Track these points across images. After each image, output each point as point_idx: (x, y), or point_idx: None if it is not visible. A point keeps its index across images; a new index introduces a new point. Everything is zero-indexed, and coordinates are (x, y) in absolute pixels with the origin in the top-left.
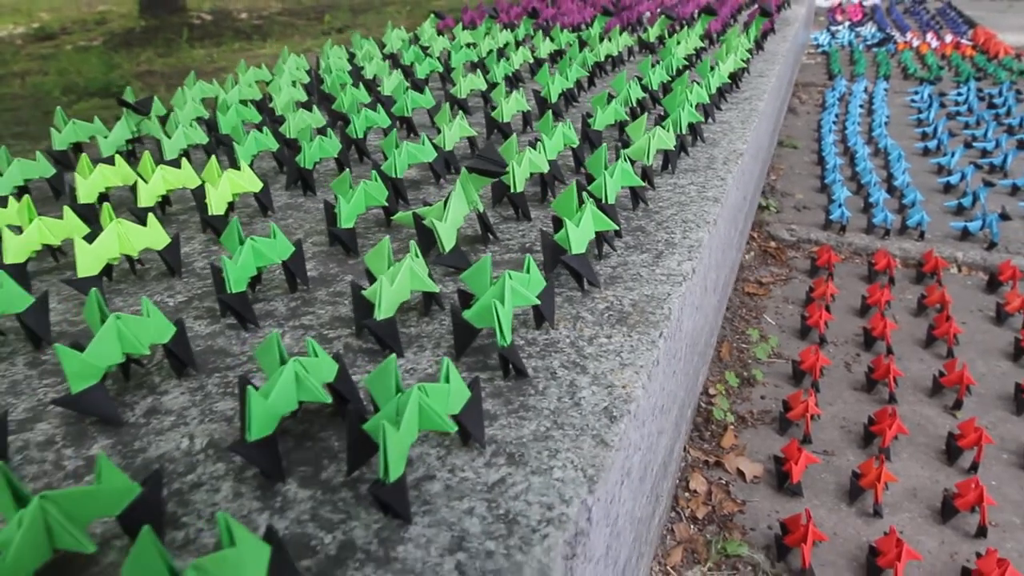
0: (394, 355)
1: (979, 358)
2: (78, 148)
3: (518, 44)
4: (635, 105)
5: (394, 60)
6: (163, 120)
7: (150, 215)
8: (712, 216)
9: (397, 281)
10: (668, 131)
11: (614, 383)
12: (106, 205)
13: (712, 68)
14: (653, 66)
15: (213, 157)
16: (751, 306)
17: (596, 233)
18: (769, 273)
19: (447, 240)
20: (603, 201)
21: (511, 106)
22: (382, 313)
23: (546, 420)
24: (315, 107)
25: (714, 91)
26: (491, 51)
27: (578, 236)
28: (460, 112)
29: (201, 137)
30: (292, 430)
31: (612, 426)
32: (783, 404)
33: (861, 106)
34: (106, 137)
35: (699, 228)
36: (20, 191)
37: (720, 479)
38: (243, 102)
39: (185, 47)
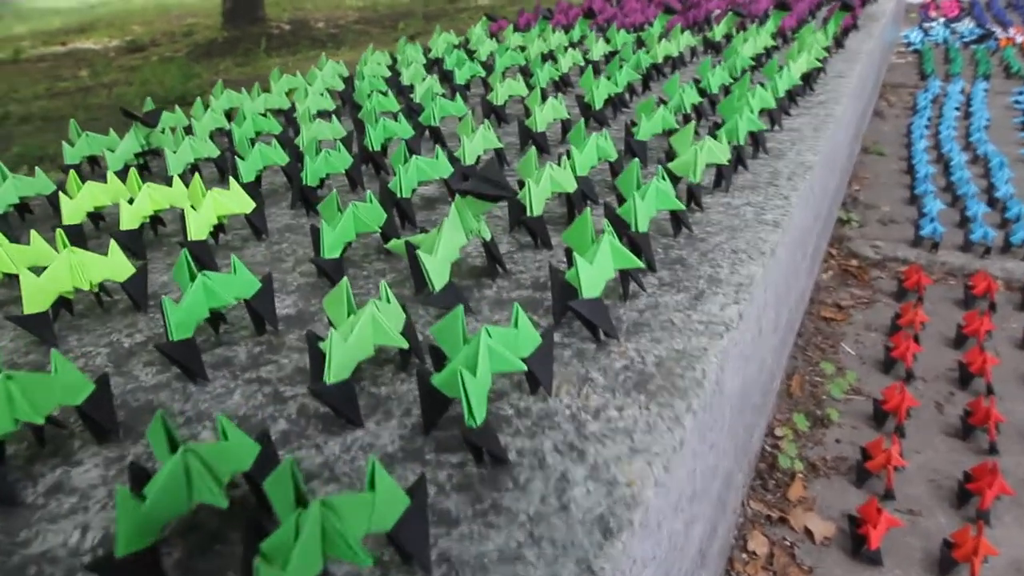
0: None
1: None
2: (95, 162)
3: (571, 46)
4: (689, 111)
5: (437, 65)
6: (188, 131)
7: (112, 242)
8: (769, 244)
9: (354, 335)
10: (721, 142)
11: (617, 478)
12: (59, 231)
13: (781, 68)
14: (713, 67)
15: (197, 175)
16: (827, 333)
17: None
18: (849, 295)
19: (437, 277)
20: (633, 229)
21: (546, 114)
22: (332, 376)
23: (520, 531)
24: (334, 117)
25: (782, 94)
26: (539, 54)
27: (591, 276)
28: (485, 121)
29: (211, 150)
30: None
31: (606, 545)
32: (861, 452)
33: (957, 109)
34: (113, 151)
35: (752, 260)
36: (19, 209)
37: (784, 539)
38: (266, 113)
39: (263, 56)
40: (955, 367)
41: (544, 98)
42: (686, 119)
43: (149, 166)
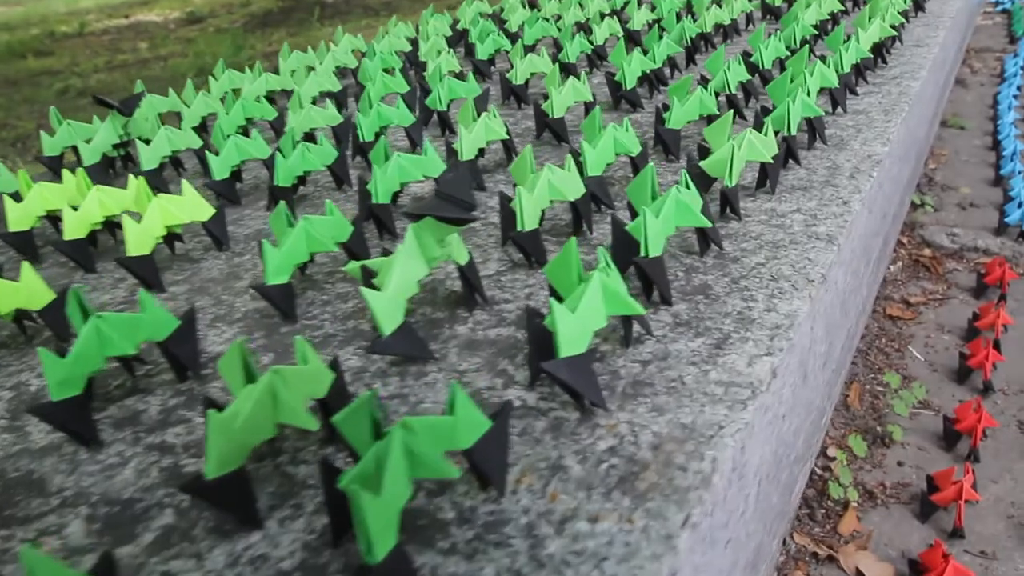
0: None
1: None
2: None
3: (612, 14)
4: (735, 92)
5: (464, 38)
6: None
7: (25, 264)
8: (820, 268)
9: (244, 416)
10: (767, 134)
11: None
12: None
13: (848, 38)
14: (768, 37)
15: (141, 179)
16: (893, 334)
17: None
18: (920, 290)
19: (386, 318)
20: (643, 254)
21: (566, 97)
22: (214, 468)
23: None
24: (329, 101)
25: (848, 69)
26: (573, 24)
27: (573, 329)
28: (491, 108)
29: (192, 141)
30: None
31: None
32: (927, 481)
33: None
34: (88, 142)
35: (795, 292)
36: None
37: None
38: (261, 97)
39: (316, 25)
40: None
41: (570, 75)
42: (730, 102)
43: (134, 158)
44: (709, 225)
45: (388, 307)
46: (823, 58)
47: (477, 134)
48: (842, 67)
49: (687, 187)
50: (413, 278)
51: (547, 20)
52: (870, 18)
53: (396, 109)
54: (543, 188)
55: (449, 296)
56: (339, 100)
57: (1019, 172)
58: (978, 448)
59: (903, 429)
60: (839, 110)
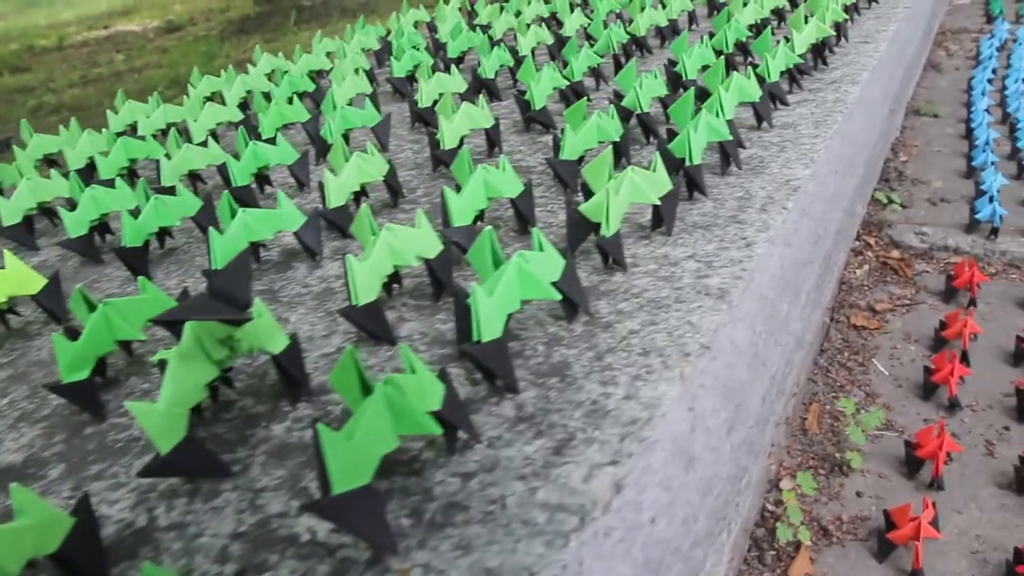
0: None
1: None
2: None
3: (541, 20)
4: (647, 111)
5: (432, 35)
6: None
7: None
8: (701, 337)
9: None
10: (656, 170)
11: None
12: None
13: (779, 42)
14: (696, 43)
15: None
16: (857, 346)
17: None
18: (888, 296)
19: (160, 435)
20: (475, 338)
21: (459, 125)
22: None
23: None
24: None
25: (777, 78)
26: (501, 33)
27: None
28: (369, 146)
29: (62, 189)
30: None
31: None
32: (885, 517)
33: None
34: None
35: (664, 372)
36: None
37: None
38: (148, 137)
39: (292, 30)
40: (1012, 392)
41: (485, 93)
42: (643, 124)
43: None
44: (557, 298)
45: (162, 422)
46: (755, 66)
47: (349, 176)
48: (769, 76)
49: (540, 248)
50: (195, 384)
51: (475, 30)
52: (807, 17)
53: (275, 147)
54: (382, 252)
55: (277, 383)
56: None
57: (991, 163)
58: (941, 477)
59: (864, 455)
60: (764, 125)
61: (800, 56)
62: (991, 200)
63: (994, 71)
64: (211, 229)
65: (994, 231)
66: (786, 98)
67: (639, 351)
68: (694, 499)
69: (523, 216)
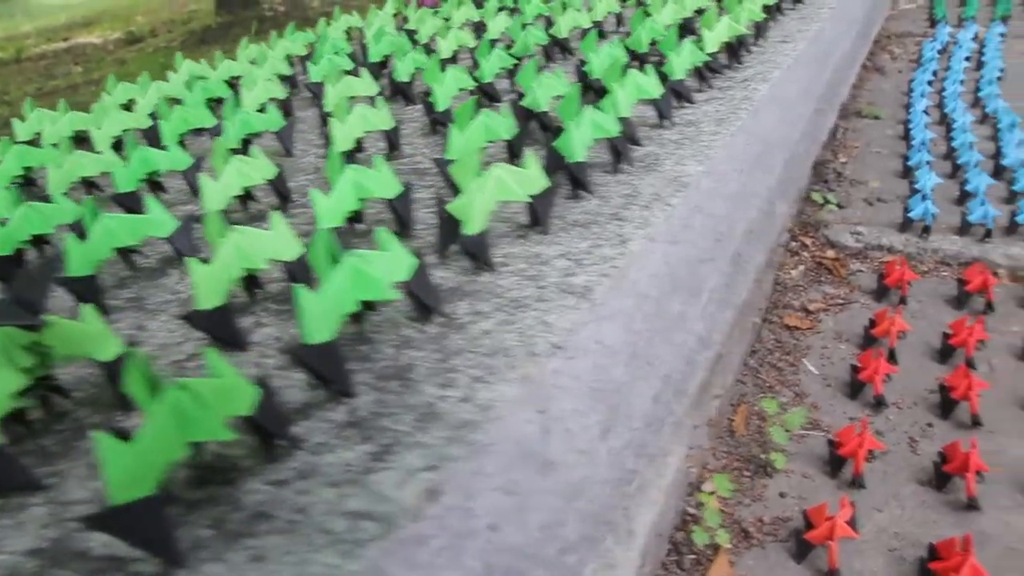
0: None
1: None
2: None
3: (468, 25)
4: (546, 111)
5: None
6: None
7: None
8: (553, 337)
9: None
10: (529, 167)
11: None
12: None
13: (689, 38)
14: (607, 41)
15: None
16: (789, 347)
17: None
18: (822, 296)
19: None
20: (305, 341)
21: (353, 126)
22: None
23: None
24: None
25: (682, 75)
26: (427, 37)
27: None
28: (254, 150)
29: None
30: None
31: None
32: (804, 518)
33: (968, 59)
34: None
35: (506, 373)
36: None
37: None
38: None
39: (253, 41)
40: (937, 389)
41: (403, 96)
42: (543, 124)
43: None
44: (396, 298)
45: None
46: (660, 63)
47: (228, 180)
48: (673, 73)
49: (385, 247)
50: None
51: (397, 33)
52: (716, 17)
53: (167, 152)
54: (229, 255)
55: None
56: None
57: (926, 162)
58: (862, 475)
59: (789, 455)
60: (666, 122)
61: (712, 55)
62: (923, 199)
63: (935, 73)
64: (69, 235)
65: (926, 229)
66: (691, 96)
67: (486, 352)
68: (557, 504)
69: (401, 218)
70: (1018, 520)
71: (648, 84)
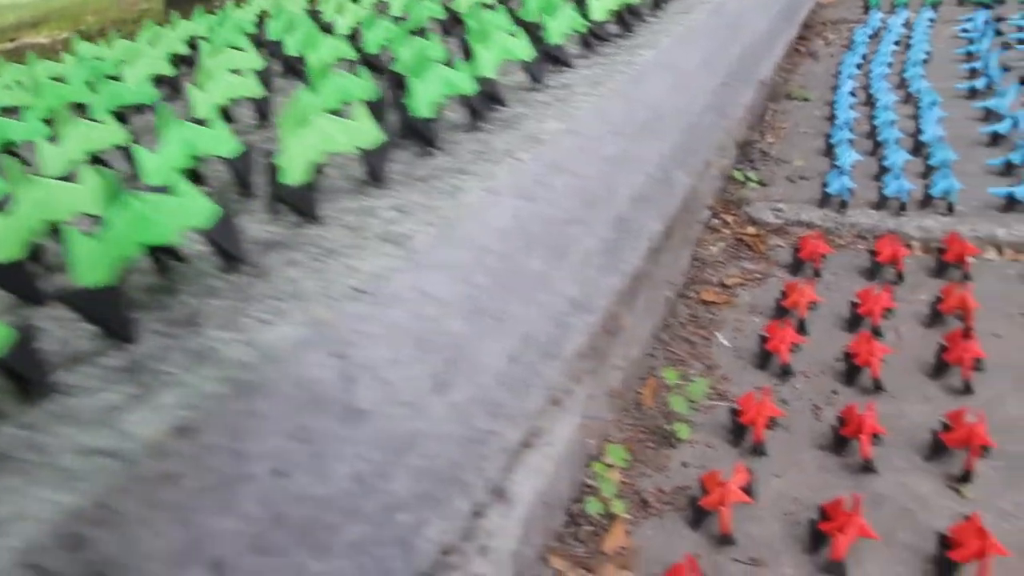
0: None
1: (1015, 391)
2: None
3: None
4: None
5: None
6: None
7: None
8: (354, 282)
9: None
10: (359, 120)
11: None
12: None
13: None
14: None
15: None
16: (704, 320)
17: None
18: (740, 271)
19: None
20: (83, 285)
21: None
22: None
23: None
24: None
25: (558, 40)
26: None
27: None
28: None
29: None
30: None
31: None
32: (700, 485)
33: (897, 43)
34: None
35: (295, 316)
36: None
37: None
38: None
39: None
40: (843, 357)
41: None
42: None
43: None
44: (179, 243)
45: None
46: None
47: (71, 144)
48: (550, 37)
49: (181, 193)
50: None
51: (301, 13)
52: None
53: (19, 123)
54: (27, 207)
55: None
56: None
57: (847, 140)
58: (762, 442)
59: (695, 425)
60: (537, 83)
61: (598, 22)
62: (841, 174)
63: (864, 57)
64: None
65: (843, 204)
66: (570, 61)
67: (281, 297)
68: (373, 456)
69: (241, 178)
70: (914, 481)
71: (517, 47)
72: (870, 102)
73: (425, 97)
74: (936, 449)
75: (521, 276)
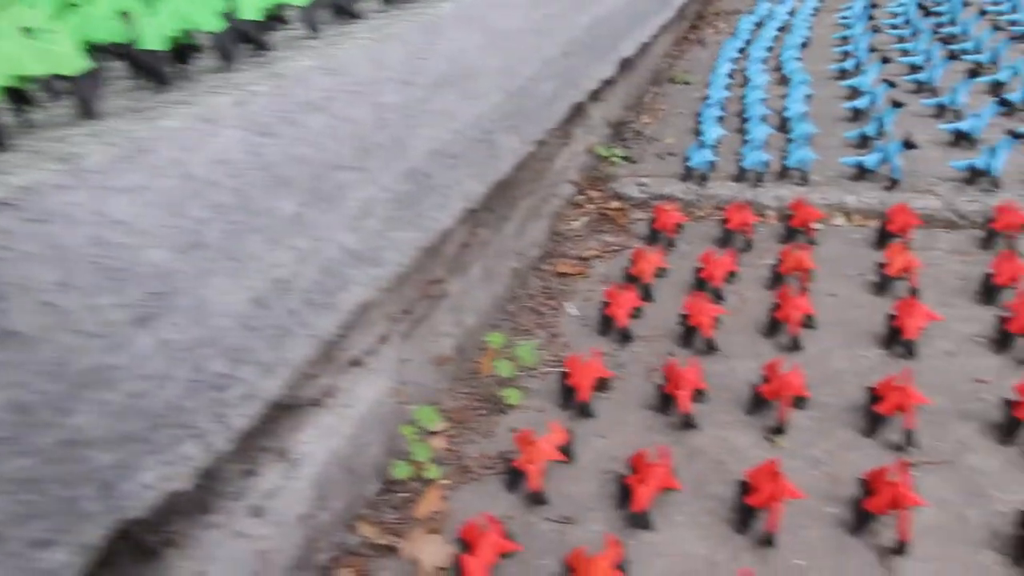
0: None
1: (842, 347)
2: None
3: None
4: None
5: None
6: None
7: None
8: None
9: None
10: (60, 44)
11: None
12: None
13: None
14: None
15: None
16: (556, 292)
17: None
18: (599, 244)
19: None
20: None
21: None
22: None
23: None
24: None
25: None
26: None
27: None
28: None
29: None
30: None
31: None
32: (516, 446)
33: (781, 29)
34: None
35: None
36: None
37: None
38: None
39: None
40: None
41: None
42: None
43: None
44: None
45: None
46: None
47: None
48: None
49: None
50: None
51: None
52: None
53: None
54: None
55: None
56: None
57: (714, 117)
58: (588, 402)
59: (529, 392)
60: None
61: None
62: (701, 148)
63: (747, 42)
64: None
65: (703, 177)
66: (354, 9)
67: None
68: (42, 385)
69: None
70: (732, 435)
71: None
72: (746, 84)
73: (153, 30)
74: (757, 403)
75: (265, 216)
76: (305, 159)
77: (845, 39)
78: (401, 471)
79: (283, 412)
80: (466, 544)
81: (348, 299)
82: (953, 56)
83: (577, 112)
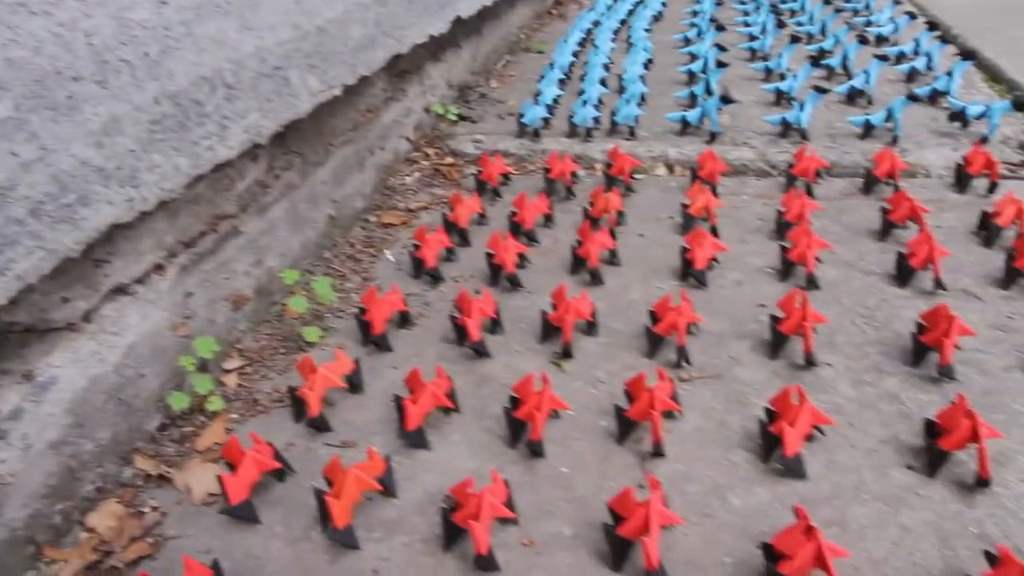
0: None
1: (640, 280)
2: None
3: None
4: None
5: None
6: None
7: None
8: None
9: None
10: None
11: None
12: None
13: None
14: None
15: None
16: (376, 240)
17: None
18: (430, 197)
19: None
20: None
21: None
22: None
23: None
24: None
25: None
26: None
27: None
28: None
29: None
30: None
31: None
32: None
33: (637, 3)
34: None
35: None
36: None
37: (153, 506)
38: None
39: None
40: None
41: None
42: None
43: None
44: None
45: None
46: None
47: None
48: None
49: None
50: None
51: None
52: None
53: None
54: None
55: None
56: None
57: (555, 80)
58: (384, 334)
59: (330, 330)
60: None
61: None
62: (533, 106)
63: (602, 15)
64: None
65: (536, 133)
66: None
67: None
68: None
69: None
70: (521, 362)
71: None
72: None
73: None
74: (547, 331)
75: None
76: (21, 62)
77: (695, 13)
78: (178, 401)
79: (30, 334)
80: (230, 464)
81: (95, 217)
82: (782, 25)
83: (411, 68)
